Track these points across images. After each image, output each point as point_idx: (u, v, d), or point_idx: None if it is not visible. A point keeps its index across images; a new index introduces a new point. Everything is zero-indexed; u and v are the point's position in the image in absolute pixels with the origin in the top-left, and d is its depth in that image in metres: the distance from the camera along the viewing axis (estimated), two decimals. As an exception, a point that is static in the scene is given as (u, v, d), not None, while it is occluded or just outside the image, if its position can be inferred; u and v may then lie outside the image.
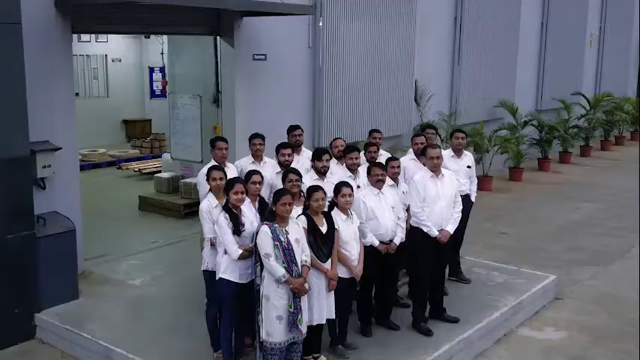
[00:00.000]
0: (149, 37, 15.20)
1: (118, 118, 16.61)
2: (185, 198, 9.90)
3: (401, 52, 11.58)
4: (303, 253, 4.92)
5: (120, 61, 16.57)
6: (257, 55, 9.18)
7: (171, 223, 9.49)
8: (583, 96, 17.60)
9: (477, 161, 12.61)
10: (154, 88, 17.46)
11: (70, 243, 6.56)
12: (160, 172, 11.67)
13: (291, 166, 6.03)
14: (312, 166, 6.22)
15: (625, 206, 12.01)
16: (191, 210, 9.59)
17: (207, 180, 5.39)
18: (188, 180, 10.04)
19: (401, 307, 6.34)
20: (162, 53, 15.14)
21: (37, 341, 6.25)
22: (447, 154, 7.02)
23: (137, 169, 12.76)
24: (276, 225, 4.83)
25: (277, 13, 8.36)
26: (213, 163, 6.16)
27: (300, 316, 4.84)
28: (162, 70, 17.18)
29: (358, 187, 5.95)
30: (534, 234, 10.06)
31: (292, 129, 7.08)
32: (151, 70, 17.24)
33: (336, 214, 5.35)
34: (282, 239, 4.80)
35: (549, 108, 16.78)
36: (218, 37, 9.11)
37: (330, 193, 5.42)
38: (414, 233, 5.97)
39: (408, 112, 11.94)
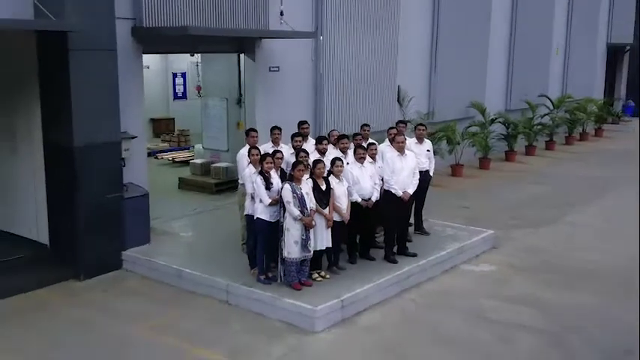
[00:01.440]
0: (193, 55, 16.96)
1: (146, 116, 19.27)
2: (215, 178, 12.64)
3: (386, 61, 14.30)
4: (311, 202, 7.64)
5: (148, 67, 19.24)
6: (272, 67, 11.91)
7: (205, 197, 12.21)
8: (547, 97, 20.36)
9: (450, 152, 15.44)
10: (176, 91, 20.16)
11: (145, 203, 9.31)
12: (187, 161, 14.46)
13: (302, 147, 8.77)
14: (315, 148, 8.94)
15: (569, 188, 14.77)
16: (220, 187, 12.36)
17: (249, 155, 8.09)
18: (217, 164, 12.78)
19: (378, 247, 9.06)
20: (197, 64, 17.49)
21: (123, 270, 8.98)
22: (412, 141, 9.74)
23: (171, 159, 15.50)
24: (294, 183, 7.57)
25: (288, 37, 11.12)
26: (247, 146, 8.86)
27: (309, 242, 7.58)
28: (183, 75, 19.93)
29: (347, 163, 8.66)
30: (489, 207, 12.77)
31: (301, 123, 9.81)
32: (174, 75, 19.94)
33: (331, 178, 8.07)
34: (298, 192, 7.53)
35: (518, 108, 19.50)
36: (242, 54, 11.85)
37: (328, 166, 8.15)
38: (386, 194, 8.71)
39: (392, 111, 14.64)
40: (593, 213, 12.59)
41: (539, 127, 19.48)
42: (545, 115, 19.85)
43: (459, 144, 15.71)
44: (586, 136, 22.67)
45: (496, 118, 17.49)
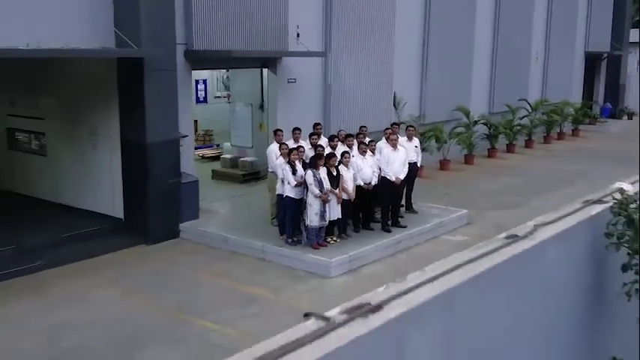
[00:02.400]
0: (228, 71, 19.00)
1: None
2: (242, 170, 15.31)
3: (383, 72, 16.98)
4: (326, 184, 10.31)
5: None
6: (290, 79, 14.58)
7: (235, 186, 14.87)
8: (526, 101, 23.03)
9: (438, 149, 18.09)
10: (198, 96, 22.79)
11: (195, 187, 11.99)
12: (215, 157, 17.13)
13: (318, 144, 11.43)
14: (328, 144, 11.60)
15: (540, 179, 17.43)
16: (247, 178, 15.03)
17: (279, 150, 10.75)
18: (244, 159, 15.46)
19: (376, 221, 11.71)
20: (227, 77, 20.06)
21: (180, 238, 11.64)
22: (403, 139, 12.40)
23: (201, 155, 18.18)
24: (314, 170, 10.23)
25: (303, 55, 13.81)
26: (275, 143, 11.49)
27: (325, 213, 10.24)
28: (204, 82, 22.57)
29: (353, 155, 11.31)
30: (468, 194, 15.43)
31: (316, 124, 12.49)
32: (197, 82, 22.58)
33: (341, 167, 10.72)
34: (317, 177, 10.19)
35: (500, 111, 22.15)
36: (265, 69, 14.53)
37: (338, 158, 10.81)
38: (383, 179, 11.38)
39: (388, 113, 17.29)
40: (555, 199, 15.22)
41: (518, 127, 22.14)
42: (524, 117, 22.51)
43: (446, 142, 18.35)
44: (563, 136, 25.34)
45: (479, 120, 20.14)
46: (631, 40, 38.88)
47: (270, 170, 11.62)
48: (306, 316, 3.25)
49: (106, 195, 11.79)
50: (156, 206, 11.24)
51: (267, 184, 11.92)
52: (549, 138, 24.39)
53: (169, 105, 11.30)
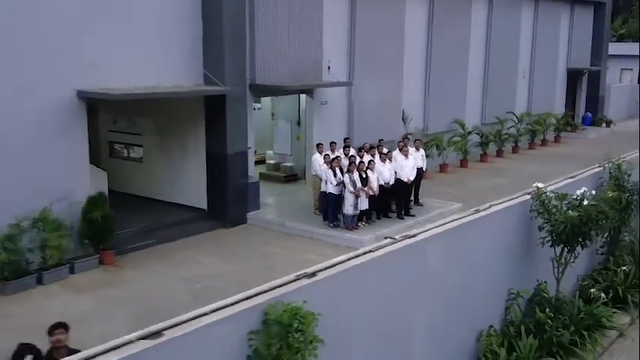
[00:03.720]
0: (277, 96, 21.37)
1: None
2: (283, 173, 19.37)
3: (394, 92, 21.03)
4: (358, 184, 14.39)
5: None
6: (322, 101, 18.65)
7: (278, 185, 18.91)
8: (513, 114, 27.09)
9: (438, 155, 22.14)
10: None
11: (257, 186, 16.07)
12: (257, 161, 21.19)
13: (350, 154, 15.50)
14: (357, 154, 15.64)
15: (521, 179, 21.42)
16: (287, 179, 19.09)
17: (323, 159, 14.82)
18: (284, 164, 19.53)
19: (392, 211, 15.78)
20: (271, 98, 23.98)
21: (248, 224, 15.71)
22: (412, 149, 16.47)
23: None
24: (350, 174, 14.32)
25: (335, 86, 17.93)
26: (317, 153, 15.55)
27: (357, 205, 14.34)
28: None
29: (374, 162, 15.36)
30: (462, 192, 19.48)
31: (346, 139, 16.58)
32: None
33: (368, 171, 14.80)
34: (352, 179, 14.28)
35: (491, 122, 26.22)
36: (303, 94, 18.60)
37: (365, 164, 14.90)
38: (398, 180, 15.46)
39: (398, 127, 21.34)
40: (530, 195, 19.30)
41: (506, 136, 26.23)
42: (511, 127, 26.60)
43: (445, 149, 22.44)
44: (546, 142, 29.41)
45: (472, 131, 24.21)
46: (629, 53, 43.21)
47: (313, 173, 15.73)
48: (386, 238, 7.30)
49: (193, 191, 15.85)
50: (231, 200, 15.33)
51: (311, 184, 16.02)
52: (533, 144, 28.46)
53: (242, 126, 15.40)
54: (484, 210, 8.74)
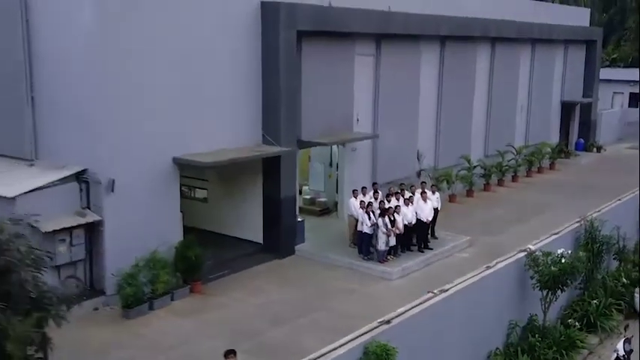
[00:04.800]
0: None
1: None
2: (318, 207, 22.92)
3: (410, 135, 24.57)
4: (388, 225, 17.95)
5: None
6: (353, 148, 22.21)
7: (314, 218, 22.37)
8: (512, 146, 30.64)
9: (448, 188, 25.70)
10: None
11: (303, 224, 19.60)
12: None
13: (380, 200, 19.03)
14: (385, 198, 19.17)
15: (519, 209, 25.03)
16: (322, 212, 22.64)
17: (359, 205, 18.38)
18: (319, 199, 23.09)
19: (414, 245, 19.32)
20: None
21: (296, 255, 19.25)
22: (429, 193, 20.02)
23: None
24: (382, 218, 17.88)
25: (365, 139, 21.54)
26: (353, 198, 19.12)
27: (388, 241, 17.91)
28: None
29: (400, 207, 18.90)
30: (468, 224, 22.93)
31: (374, 184, 20.15)
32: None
33: (395, 214, 18.36)
34: (384, 222, 17.84)
35: (493, 154, 29.76)
36: (337, 145, 22.13)
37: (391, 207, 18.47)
38: (418, 220, 19.03)
39: (414, 164, 24.88)
40: (529, 226, 22.80)
41: (506, 167, 29.80)
42: (510, 160, 30.17)
43: (453, 183, 26.02)
44: (542, 170, 32.94)
45: (477, 165, 27.78)
46: (619, 78, 46.77)
47: (349, 214, 19.30)
48: (428, 292, 10.85)
49: (251, 227, 19.36)
50: (283, 235, 18.88)
51: (347, 221, 19.58)
52: (531, 172, 31.98)
53: (292, 175, 18.97)
54: (493, 267, 12.29)
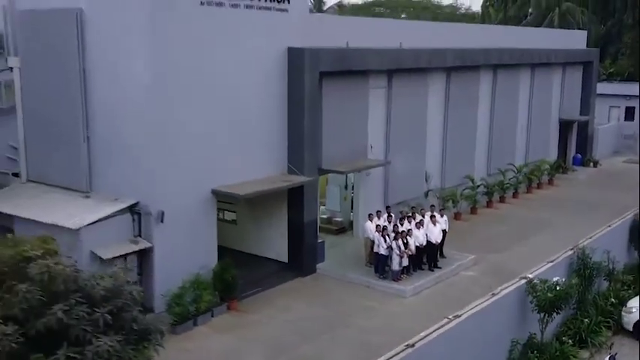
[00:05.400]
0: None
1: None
2: (335, 227, 24.90)
3: (418, 158, 26.56)
4: (402, 247, 19.95)
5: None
6: (367, 173, 24.18)
7: (330, 236, 24.33)
8: (513, 165, 32.62)
9: (454, 205, 27.70)
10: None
11: (323, 244, 21.62)
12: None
13: (394, 224, 21.03)
14: (399, 221, 21.16)
15: (519, 227, 27.01)
16: (338, 231, 24.63)
17: (375, 228, 20.38)
18: (335, 218, 25.07)
19: (424, 264, 21.31)
20: None
21: (318, 273, 21.23)
22: (438, 216, 22.01)
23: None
24: (396, 241, 19.88)
25: (378, 165, 23.54)
26: (368, 221, 21.11)
27: (401, 262, 19.92)
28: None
29: (412, 230, 20.90)
30: (473, 242, 24.92)
31: (387, 207, 22.15)
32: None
33: (408, 237, 20.36)
34: (397, 244, 19.85)
35: (495, 172, 31.75)
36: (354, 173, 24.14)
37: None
38: (428, 242, 21.03)
39: (422, 185, 26.89)
40: (529, 244, 24.76)
41: (507, 185, 31.79)
42: (511, 178, 32.16)
43: (458, 202, 28.01)
44: (542, 185, 34.91)
45: (480, 184, 29.77)
46: (616, 93, 48.76)
47: (365, 236, 21.28)
48: (444, 318, 12.82)
49: (277, 248, 21.34)
50: (306, 255, 20.88)
51: (363, 243, 21.57)
52: (531, 188, 33.95)
53: (314, 200, 20.97)
54: (498, 293, 14.27)
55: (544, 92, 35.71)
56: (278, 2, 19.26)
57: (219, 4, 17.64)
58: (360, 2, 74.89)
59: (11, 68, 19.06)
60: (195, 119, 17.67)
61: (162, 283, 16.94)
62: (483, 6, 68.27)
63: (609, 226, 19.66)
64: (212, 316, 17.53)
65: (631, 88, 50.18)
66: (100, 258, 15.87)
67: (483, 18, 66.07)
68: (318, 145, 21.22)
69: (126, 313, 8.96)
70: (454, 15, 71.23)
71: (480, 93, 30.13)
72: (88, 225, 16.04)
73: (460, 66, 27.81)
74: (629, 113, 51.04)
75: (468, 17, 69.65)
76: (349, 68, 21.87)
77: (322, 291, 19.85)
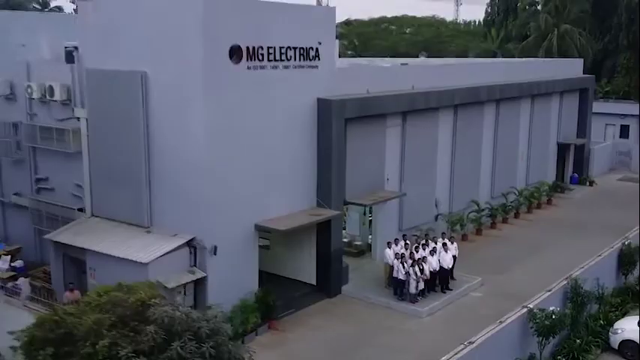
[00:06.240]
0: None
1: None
2: (355, 250, 27.70)
3: (429, 186, 29.39)
4: (418, 272, 22.76)
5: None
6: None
7: (351, 259, 27.13)
8: (515, 188, 35.43)
9: (461, 226, 30.49)
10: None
11: (347, 268, 24.44)
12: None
13: (410, 251, 23.85)
14: (414, 248, 23.97)
15: (518, 249, 29.80)
16: (357, 254, 27.43)
17: (394, 256, 23.20)
18: (355, 242, 27.89)
19: (437, 286, 24.10)
20: None
21: (343, 294, 24.02)
22: (449, 243, 24.82)
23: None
24: (412, 267, 22.69)
25: (394, 197, 26.36)
26: (387, 248, 23.93)
27: (417, 285, 22.73)
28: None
29: (427, 257, 23.70)
30: (480, 261, 27.71)
31: (404, 236, 24.97)
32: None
33: (423, 264, 23.17)
34: (414, 270, 22.66)
35: (498, 195, 34.56)
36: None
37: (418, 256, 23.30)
38: (441, 267, 23.84)
39: (432, 210, 29.71)
40: (528, 266, 27.49)
41: (510, 207, 34.60)
42: (513, 201, 34.98)
43: (465, 225, 30.83)
44: (541, 205, 37.72)
45: (485, 208, 32.60)
46: (611, 112, 51.61)
47: (385, 262, 24.09)
48: (461, 344, 15.61)
49: (307, 271, 24.14)
50: (334, 278, 23.69)
51: (383, 268, 24.38)
52: (531, 208, 36.77)
53: (339, 230, 23.79)
54: (504, 321, 17.05)
55: (543, 119, 38.55)
56: (310, 60, 22.07)
57: (262, 67, 20.45)
58: (366, 19, 77.81)
59: (78, 118, 21.86)
60: (242, 163, 20.44)
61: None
62: (485, 24, 71.22)
63: (599, 255, 22.45)
64: (256, 335, 20.32)
65: (626, 107, 53.26)
66: (165, 287, 18.64)
67: (485, 36, 68.94)
68: (342, 181, 24.01)
69: (224, 346, 11.74)
70: (458, 31, 74.06)
71: (484, 124, 32.97)
72: (155, 259, 18.83)
73: (466, 102, 30.63)
74: (624, 131, 53.99)
75: (471, 33, 72.42)
76: (370, 113, 24.74)
77: (348, 311, 22.63)
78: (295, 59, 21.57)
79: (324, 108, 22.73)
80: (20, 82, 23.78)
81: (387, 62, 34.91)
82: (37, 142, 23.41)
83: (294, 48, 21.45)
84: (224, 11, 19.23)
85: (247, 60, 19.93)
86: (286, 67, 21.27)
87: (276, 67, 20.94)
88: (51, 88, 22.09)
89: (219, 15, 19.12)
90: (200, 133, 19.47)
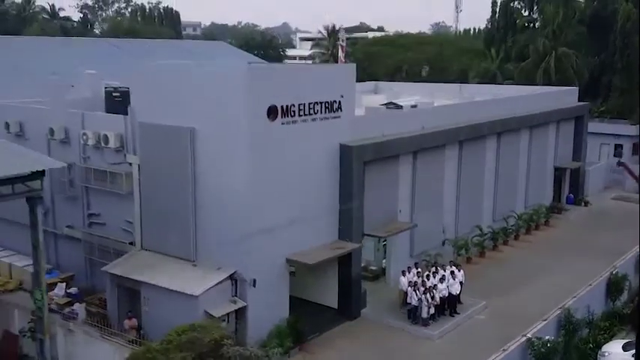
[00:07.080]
0: None
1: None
2: (370, 274, 30.55)
3: (437, 215, 32.28)
4: (430, 299, 25.65)
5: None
6: (397, 231, 29.92)
7: (367, 283, 29.83)
8: (514, 212, 38.32)
9: (466, 250, 33.38)
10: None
11: (366, 293, 27.34)
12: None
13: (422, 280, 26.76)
14: (425, 276, 26.86)
15: (517, 272, 32.65)
16: (372, 278, 30.30)
17: (408, 283, 26.08)
18: (370, 267, 30.77)
19: (446, 309, 26.97)
20: None
21: (362, 317, 26.87)
22: (457, 271, 27.70)
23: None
24: (424, 295, 25.58)
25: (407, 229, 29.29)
26: (402, 276, 26.82)
27: (429, 310, 25.62)
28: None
29: (437, 285, 26.57)
30: (484, 284, 30.52)
31: (416, 264, 27.86)
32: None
33: (434, 291, 26.05)
34: (426, 297, 25.55)
35: (499, 219, 37.45)
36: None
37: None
38: (449, 293, 26.74)
39: (440, 236, 32.59)
40: (527, 289, 30.34)
41: (510, 230, 37.50)
42: (513, 224, 37.89)
43: (469, 249, 33.72)
44: (539, 227, 40.61)
45: (487, 233, 35.50)
46: (606, 132, 54.53)
47: (400, 288, 26.98)
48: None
49: (329, 296, 27.00)
50: (354, 303, 26.56)
51: (398, 293, 27.26)
52: (530, 230, 39.68)
53: (359, 259, 26.65)
54: (508, 348, 19.93)
55: (540, 146, 41.50)
56: (334, 112, 24.98)
57: (294, 122, 23.37)
58: (370, 37, 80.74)
59: (130, 163, 24.75)
60: (276, 204, 23.32)
61: (253, 332, 22.62)
62: (485, 43, 74.03)
63: (590, 284, 25.37)
64: (289, 357, 23.21)
65: (619, 127, 56.27)
66: (212, 315, 21.53)
67: (485, 55, 71.75)
68: (362, 216, 26.90)
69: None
70: (461, 50, 76.88)
71: (487, 155, 35.93)
72: (205, 291, 21.72)
73: (470, 138, 33.56)
74: (619, 150, 57.00)
75: (473, 52, 75.25)
76: (385, 155, 27.65)
77: (368, 334, 25.50)
78: (321, 112, 24.48)
79: (346, 153, 25.62)
80: (74, 128, 26.64)
81: (397, 87, 37.88)
82: (90, 182, 26.28)
83: (321, 102, 24.37)
84: (263, 77, 22.19)
85: (282, 117, 22.84)
86: (314, 119, 24.18)
87: (305, 121, 23.83)
88: (106, 136, 24.94)
89: (259, 81, 22.07)
90: (242, 180, 22.35)
